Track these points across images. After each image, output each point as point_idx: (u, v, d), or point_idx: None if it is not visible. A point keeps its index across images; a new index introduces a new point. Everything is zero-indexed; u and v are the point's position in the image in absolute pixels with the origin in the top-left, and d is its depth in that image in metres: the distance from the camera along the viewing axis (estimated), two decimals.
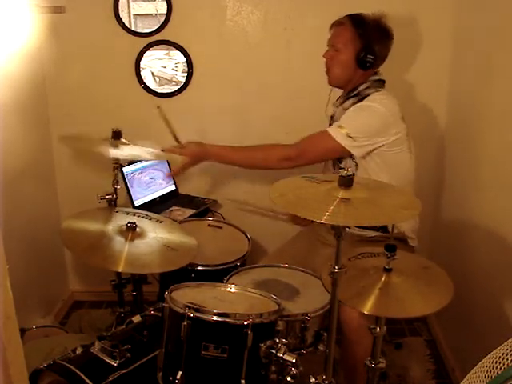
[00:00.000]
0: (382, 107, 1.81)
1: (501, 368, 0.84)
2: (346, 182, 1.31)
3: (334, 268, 1.31)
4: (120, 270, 1.67)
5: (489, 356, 0.88)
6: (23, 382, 0.90)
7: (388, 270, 1.44)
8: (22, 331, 2.09)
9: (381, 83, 1.91)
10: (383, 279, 1.43)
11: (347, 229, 1.95)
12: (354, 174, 1.33)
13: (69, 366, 1.48)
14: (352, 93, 1.89)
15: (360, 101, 1.84)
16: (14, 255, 2.15)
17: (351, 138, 1.79)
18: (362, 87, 1.87)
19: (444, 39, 2.36)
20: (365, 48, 1.83)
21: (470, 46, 2.20)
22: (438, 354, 2.38)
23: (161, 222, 1.91)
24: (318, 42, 2.41)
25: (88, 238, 1.73)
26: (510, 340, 0.87)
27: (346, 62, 1.86)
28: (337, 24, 1.90)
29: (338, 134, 1.80)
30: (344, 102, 1.90)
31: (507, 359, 0.84)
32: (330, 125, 1.95)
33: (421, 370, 2.24)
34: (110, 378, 1.47)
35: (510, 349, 0.85)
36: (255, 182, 2.56)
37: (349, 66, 1.86)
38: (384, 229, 1.92)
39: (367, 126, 1.81)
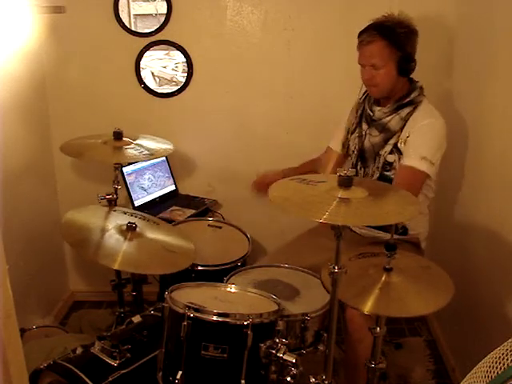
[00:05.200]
0: (441, 118, 1.86)
1: (501, 368, 0.84)
2: (346, 182, 1.31)
3: (334, 268, 1.31)
4: (115, 267, 1.66)
5: (489, 356, 0.88)
6: (23, 382, 0.90)
7: (388, 270, 1.44)
8: (22, 331, 2.09)
9: (423, 89, 1.92)
10: (383, 279, 1.44)
11: (363, 231, 1.99)
12: (354, 175, 1.33)
13: (69, 365, 1.48)
14: (404, 100, 1.87)
15: (415, 108, 1.85)
16: (13, 255, 2.15)
17: (433, 163, 1.82)
18: (414, 95, 1.87)
19: (445, 38, 2.36)
20: (404, 57, 1.81)
21: (471, 46, 2.20)
22: (438, 354, 2.38)
23: (157, 225, 1.90)
24: (318, 41, 2.43)
25: (87, 231, 1.73)
26: (510, 340, 0.87)
27: (389, 75, 1.84)
28: (366, 43, 1.84)
29: (424, 165, 1.81)
30: (398, 110, 1.87)
31: (507, 359, 0.84)
32: (368, 125, 1.94)
33: (421, 369, 2.24)
34: (110, 378, 1.47)
35: (510, 349, 0.85)
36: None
37: (392, 78, 1.85)
38: (403, 232, 1.93)
39: (438, 144, 1.84)
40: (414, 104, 1.87)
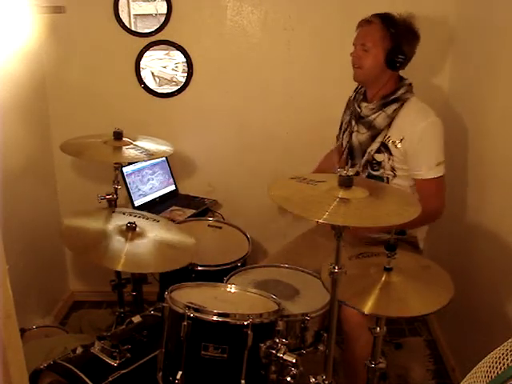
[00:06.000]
0: (434, 116, 1.84)
1: (501, 368, 0.84)
2: (346, 182, 1.31)
3: (334, 268, 1.31)
4: (119, 268, 1.67)
5: (489, 356, 0.88)
6: (23, 382, 0.90)
7: (388, 270, 1.44)
8: (22, 331, 2.09)
9: (412, 87, 1.92)
10: (383, 279, 1.44)
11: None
12: (354, 175, 1.33)
13: (69, 365, 1.48)
14: (390, 97, 1.87)
15: (401, 106, 1.85)
16: (13, 255, 2.15)
17: (444, 162, 1.84)
18: (400, 92, 1.87)
19: (444, 38, 2.36)
20: (395, 48, 1.81)
21: (470, 46, 2.20)
22: (438, 354, 2.38)
23: (157, 222, 1.91)
24: (318, 41, 2.43)
25: (88, 236, 1.73)
26: (509, 340, 0.87)
27: (375, 61, 1.84)
28: (365, 23, 1.87)
29: (439, 170, 1.84)
30: (384, 107, 1.87)
31: (507, 359, 0.84)
32: (356, 122, 1.95)
33: (421, 370, 2.24)
34: (110, 378, 1.47)
35: (510, 349, 0.85)
36: (254, 182, 2.55)
37: (378, 65, 1.84)
38: (401, 232, 1.93)
39: (442, 143, 1.85)
40: (401, 101, 1.86)
